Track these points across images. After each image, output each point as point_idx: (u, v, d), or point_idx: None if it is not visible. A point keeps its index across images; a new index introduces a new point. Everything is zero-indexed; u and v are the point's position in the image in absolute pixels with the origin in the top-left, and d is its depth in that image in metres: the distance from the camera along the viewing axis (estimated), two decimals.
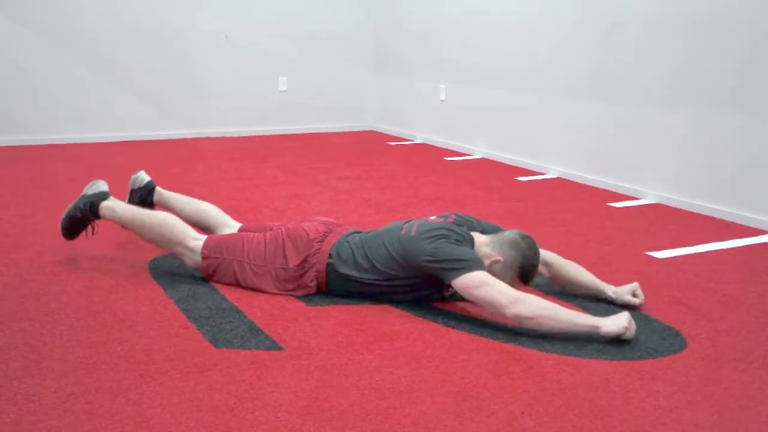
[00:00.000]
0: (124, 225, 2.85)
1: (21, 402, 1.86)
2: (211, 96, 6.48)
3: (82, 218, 2.88)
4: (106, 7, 5.96)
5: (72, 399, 1.87)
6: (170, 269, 2.88)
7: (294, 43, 6.72)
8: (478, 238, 2.54)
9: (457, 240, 2.45)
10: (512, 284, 2.45)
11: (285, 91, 6.78)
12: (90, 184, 2.96)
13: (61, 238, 2.96)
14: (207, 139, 6.37)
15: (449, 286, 2.44)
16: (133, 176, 3.25)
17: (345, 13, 6.92)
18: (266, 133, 6.71)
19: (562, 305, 2.40)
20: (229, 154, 5.64)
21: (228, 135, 6.53)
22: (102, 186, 2.94)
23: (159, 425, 1.76)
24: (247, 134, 6.62)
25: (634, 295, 2.59)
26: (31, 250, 3.10)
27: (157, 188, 3.22)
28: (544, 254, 2.66)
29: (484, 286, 2.32)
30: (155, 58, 6.20)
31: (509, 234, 2.53)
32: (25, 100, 5.82)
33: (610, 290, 2.62)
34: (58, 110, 5.95)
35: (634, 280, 2.88)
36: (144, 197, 3.20)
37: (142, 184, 3.22)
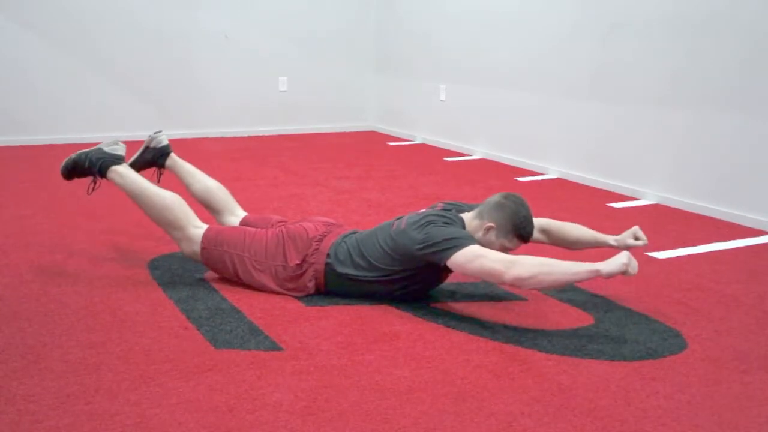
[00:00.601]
0: (127, 194, 2.78)
1: (20, 402, 1.85)
2: (211, 96, 6.48)
3: (88, 170, 2.81)
4: (107, 7, 5.96)
5: (71, 399, 1.87)
6: (170, 270, 2.87)
7: (294, 43, 6.72)
8: (466, 216, 2.55)
9: (445, 223, 2.45)
10: (514, 247, 2.45)
11: (285, 91, 6.78)
12: (111, 141, 2.87)
13: (58, 235, 2.96)
14: (207, 139, 6.37)
15: (447, 272, 2.44)
16: (152, 134, 3.15)
17: (345, 13, 6.92)
18: (266, 133, 6.71)
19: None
20: (229, 154, 5.64)
21: (228, 135, 6.53)
22: (121, 150, 2.85)
23: (158, 426, 1.76)
24: (247, 134, 6.62)
25: (637, 238, 2.59)
26: (30, 250, 3.10)
27: (172, 154, 3.15)
28: (540, 221, 2.67)
29: (478, 258, 2.30)
30: (155, 58, 6.20)
31: (493, 198, 2.53)
32: (25, 100, 5.82)
33: (612, 239, 2.63)
34: (58, 110, 5.95)
35: (634, 280, 2.89)
36: (156, 158, 3.12)
37: (159, 146, 3.13)
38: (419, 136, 6.53)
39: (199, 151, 5.77)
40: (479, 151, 5.77)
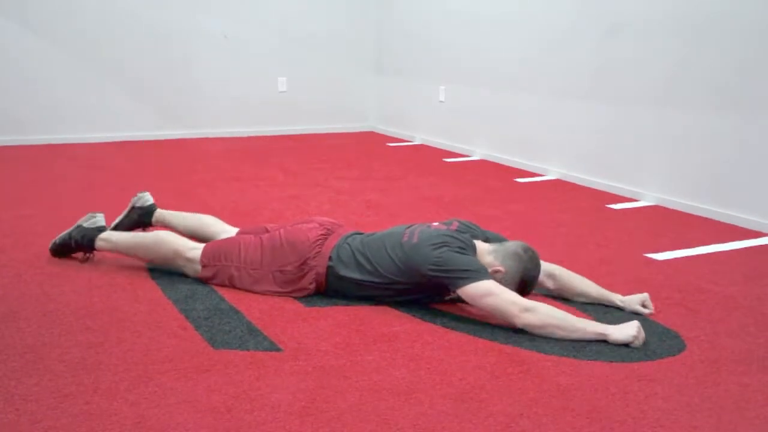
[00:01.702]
0: (123, 253, 2.88)
1: (19, 402, 1.85)
2: (211, 96, 6.48)
3: (76, 248, 2.94)
4: (106, 7, 5.96)
5: (70, 399, 1.87)
6: (169, 270, 2.87)
7: (294, 43, 6.72)
8: (481, 246, 2.54)
9: (460, 248, 2.44)
10: None
11: (284, 91, 6.78)
12: (87, 216, 2.98)
13: (57, 235, 2.96)
14: (207, 139, 6.37)
15: (450, 290, 2.44)
16: (138, 194, 3.22)
17: (345, 13, 6.92)
18: (266, 134, 6.72)
19: (567, 310, 2.40)
20: (229, 154, 5.64)
21: (227, 135, 6.53)
22: (100, 220, 2.97)
23: (157, 426, 1.76)
24: (246, 134, 6.63)
25: (644, 306, 2.58)
26: (30, 250, 3.10)
27: (157, 210, 3.20)
28: (550, 267, 2.66)
29: (492, 295, 2.33)
30: (155, 58, 6.20)
31: (512, 245, 2.53)
32: (25, 100, 5.82)
33: (618, 299, 2.61)
34: (58, 110, 5.95)
35: (633, 282, 2.88)
36: (142, 217, 3.17)
37: (145, 205, 3.18)
38: (419, 136, 6.53)
39: (199, 151, 5.77)
40: (479, 151, 5.77)
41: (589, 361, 2.17)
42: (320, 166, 5.24)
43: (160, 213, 3.19)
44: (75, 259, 2.98)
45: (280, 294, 2.61)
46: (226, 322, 2.39)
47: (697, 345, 2.32)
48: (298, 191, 4.39)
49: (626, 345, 2.27)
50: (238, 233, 2.94)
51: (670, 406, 1.93)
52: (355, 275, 2.54)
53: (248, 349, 2.19)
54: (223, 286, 2.70)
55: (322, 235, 2.64)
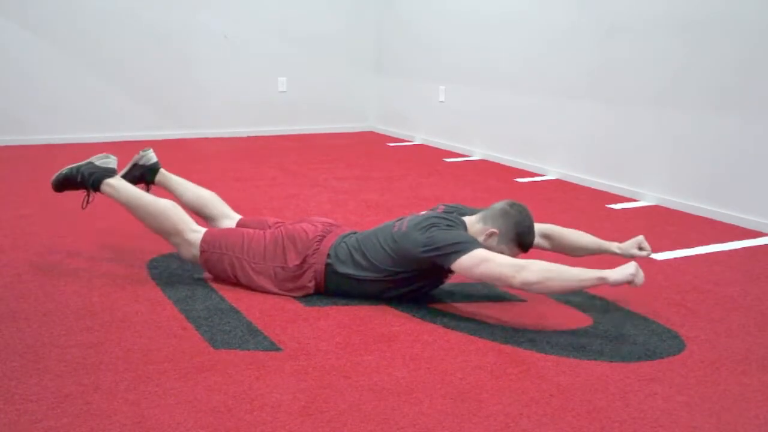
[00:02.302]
0: (123, 205, 2.79)
1: (19, 402, 1.85)
2: (211, 96, 6.48)
3: (81, 184, 2.82)
4: (106, 7, 5.96)
5: (70, 399, 1.87)
6: (169, 270, 2.87)
7: (294, 43, 6.72)
8: (469, 219, 2.57)
9: (448, 225, 2.46)
10: (513, 255, 2.46)
11: (284, 91, 6.78)
12: (101, 155, 2.88)
13: (57, 235, 2.96)
14: (207, 139, 6.37)
15: (449, 273, 2.44)
16: (141, 152, 3.15)
17: (345, 13, 6.92)
18: (266, 134, 6.71)
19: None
20: (229, 154, 5.64)
21: (227, 135, 6.53)
22: (112, 162, 2.87)
23: (157, 426, 1.76)
24: (246, 134, 6.62)
25: (641, 248, 2.59)
26: (29, 250, 3.10)
27: (161, 170, 3.15)
28: (543, 227, 2.67)
29: (485, 262, 2.32)
30: (155, 58, 6.20)
31: (498, 205, 2.55)
32: (25, 100, 5.82)
33: (615, 246, 2.63)
34: (58, 110, 5.95)
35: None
36: (145, 175, 3.11)
37: (148, 163, 3.12)
38: (418, 136, 6.53)
39: (199, 151, 5.77)
40: (478, 151, 5.77)
41: (588, 361, 2.17)
42: (320, 166, 5.24)
43: (163, 174, 3.13)
44: (78, 258, 2.97)
45: (279, 292, 2.61)
46: (226, 322, 2.39)
47: (696, 345, 2.32)
48: (298, 191, 4.39)
49: (628, 283, 2.24)
50: (239, 223, 2.95)
51: (670, 405, 1.93)
52: (353, 272, 2.55)
53: (248, 349, 2.19)
54: (220, 275, 2.69)
55: (320, 233, 2.64)
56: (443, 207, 2.66)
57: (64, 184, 2.86)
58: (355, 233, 2.70)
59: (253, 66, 6.60)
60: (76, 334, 2.27)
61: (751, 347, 2.32)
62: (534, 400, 1.93)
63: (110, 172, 2.84)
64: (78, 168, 2.84)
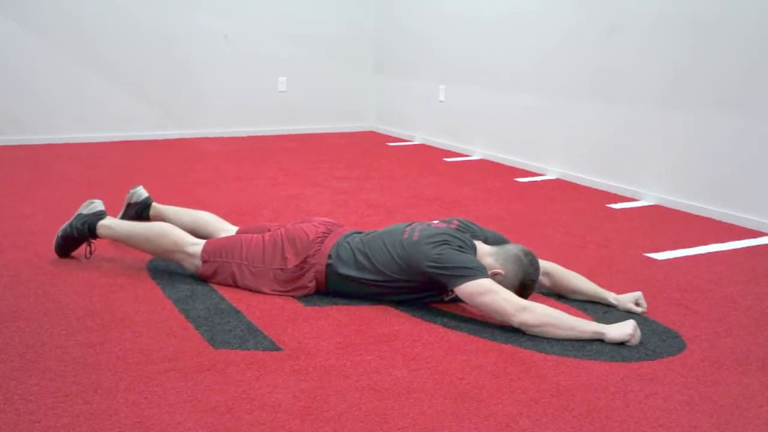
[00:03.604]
0: (123, 241, 2.87)
1: (19, 402, 1.85)
2: (211, 96, 6.48)
3: (79, 237, 2.92)
4: (106, 7, 5.96)
5: (70, 399, 1.87)
6: (169, 269, 2.87)
7: (294, 43, 6.72)
8: (481, 247, 2.55)
9: (459, 247, 2.45)
10: None
11: (284, 91, 6.78)
12: (86, 204, 2.97)
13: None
14: (207, 139, 6.36)
15: (449, 290, 2.44)
16: (131, 190, 3.25)
17: (344, 13, 6.92)
18: (266, 134, 6.71)
19: (564, 309, 2.40)
20: (229, 154, 5.64)
21: (227, 135, 6.53)
22: (99, 206, 2.95)
23: (157, 426, 1.76)
24: (246, 134, 6.62)
25: (637, 304, 2.58)
26: (29, 249, 3.10)
27: (154, 203, 3.22)
28: (545, 264, 2.67)
29: (490, 293, 2.33)
30: (155, 59, 6.20)
31: (512, 248, 2.53)
32: (25, 100, 5.82)
33: (612, 297, 2.61)
34: (58, 110, 5.95)
35: (633, 281, 2.88)
36: (140, 212, 3.20)
37: (140, 200, 3.21)
38: (418, 136, 6.53)
39: (199, 151, 5.77)
40: (479, 151, 5.77)
41: (589, 361, 2.17)
42: (320, 165, 5.24)
43: (156, 207, 3.20)
44: (78, 258, 2.98)
45: (280, 293, 2.61)
46: (226, 321, 2.39)
47: (697, 344, 2.32)
48: (298, 191, 4.39)
49: (622, 344, 2.28)
50: (238, 232, 2.95)
51: (670, 405, 1.93)
52: (355, 273, 2.55)
53: (248, 349, 2.19)
54: (223, 284, 2.70)
55: (321, 233, 2.64)
56: (457, 223, 2.63)
57: (65, 246, 2.96)
58: (359, 233, 2.70)
59: (253, 66, 6.59)
60: (76, 334, 2.27)
61: (752, 347, 2.32)
62: (534, 400, 1.93)
63: (100, 215, 2.92)
64: (70, 224, 2.93)
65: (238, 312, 2.47)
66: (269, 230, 2.80)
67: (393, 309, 2.53)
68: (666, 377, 2.09)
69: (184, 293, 2.62)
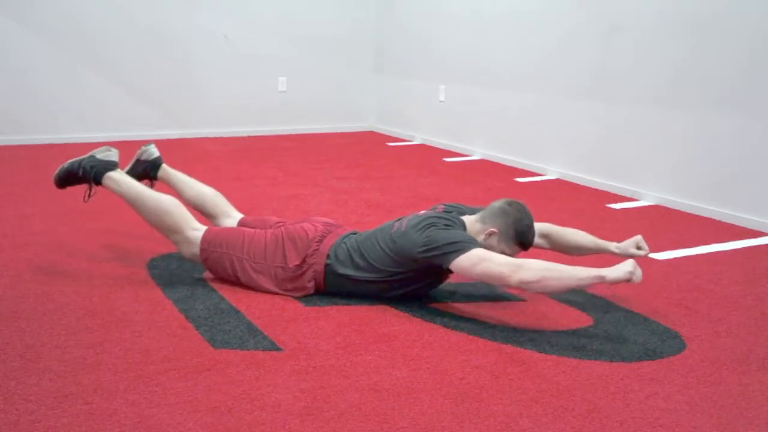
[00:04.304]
0: (125, 199, 2.78)
1: (19, 402, 1.85)
2: (211, 96, 6.48)
3: (82, 177, 2.81)
4: (106, 7, 5.96)
5: (70, 399, 1.87)
6: (169, 270, 2.87)
7: (294, 43, 6.72)
8: (468, 219, 2.56)
9: (446, 225, 2.46)
10: (513, 253, 2.47)
11: (284, 91, 6.78)
12: (102, 148, 2.87)
13: (57, 235, 2.96)
14: (207, 139, 6.36)
15: (448, 273, 2.44)
16: (143, 147, 3.15)
17: (344, 13, 6.91)
18: (266, 134, 6.71)
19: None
20: (229, 154, 5.64)
21: (227, 135, 6.52)
22: (114, 155, 2.86)
23: (157, 426, 1.76)
24: (246, 134, 6.62)
25: (639, 248, 2.59)
26: (29, 249, 3.10)
27: (164, 165, 3.15)
28: (541, 226, 2.68)
29: (483, 261, 2.32)
30: (155, 58, 6.20)
31: (496, 203, 2.55)
32: (25, 100, 5.82)
33: (613, 246, 2.63)
34: (58, 110, 5.95)
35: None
36: (148, 170, 3.12)
37: (150, 158, 3.13)
38: (418, 136, 6.53)
39: (199, 151, 5.76)
40: (479, 151, 5.77)
41: (589, 361, 2.17)
42: (320, 165, 5.24)
43: (165, 170, 3.13)
44: (78, 257, 2.97)
45: (279, 292, 2.61)
46: (226, 321, 2.39)
47: (697, 344, 2.32)
48: (298, 191, 4.39)
49: (626, 281, 2.23)
50: (240, 222, 2.95)
51: (670, 405, 1.93)
52: (353, 273, 2.55)
53: (248, 349, 2.19)
54: (217, 274, 2.69)
55: (321, 233, 2.64)
56: (443, 207, 2.66)
57: (66, 178, 2.85)
58: (355, 234, 2.70)
59: (253, 66, 6.59)
60: (76, 334, 2.26)
61: (751, 347, 2.32)
62: (534, 400, 1.93)
63: (112, 165, 2.82)
64: (79, 162, 2.82)
65: (238, 312, 2.47)
66: (271, 226, 2.80)
67: (393, 309, 2.53)
68: (666, 377, 2.09)
69: (184, 293, 2.62)
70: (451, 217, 2.51)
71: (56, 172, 2.86)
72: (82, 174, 2.80)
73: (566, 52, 4.88)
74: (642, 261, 3.16)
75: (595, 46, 4.65)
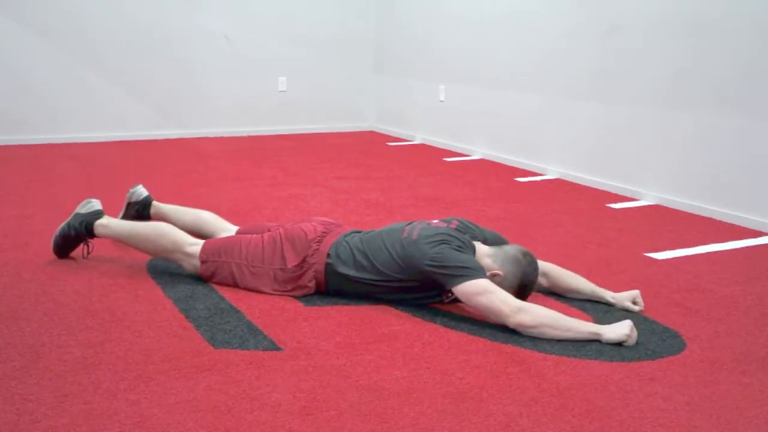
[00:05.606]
0: (121, 240, 2.87)
1: (19, 402, 1.85)
2: (211, 96, 6.48)
3: (76, 237, 2.91)
4: (106, 7, 5.96)
5: (70, 399, 1.87)
6: (169, 269, 2.87)
7: (294, 43, 6.72)
8: (480, 248, 2.54)
9: (458, 246, 2.45)
10: None
11: (284, 91, 6.78)
12: (83, 203, 2.97)
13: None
14: (207, 139, 6.36)
15: (449, 291, 2.44)
16: (131, 190, 3.27)
17: (344, 13, 6.92)
18: (266, 133, 6.71)
19: (563, 308, 2.40)
20: (229, 154, 5.64)
21: (228, 135, 6.53)
22: (96, 205, 2.95)
23: (157, 425, 1.76)
24: (246, 134, 6.62)
25: (635, 303, 2.59)
26: (29, 249, 3.10)
27: (154, 202, 3.23)
28: (543, 265, 2.66)
29: (487, 293, 2.33)
30: (155, 58, 6.20)
31: (511, 249, 2.53)
32: (25, 100, 5.82)
33: (609, 296, 2.62)
34: (58, 110, 5.95)
35: (633, 281, 2.89)
36: (141, 211, 3.21)
37: (140, 198, 3.23)
38: (419, 136, 6.53)
39: (199, 150, 5.77)
40: (479, 151, 5.77)
41: (588, 361, 2.17)
42: (320, 165, 5.24)
43: (156, 206, 3.21)
44: (77, 258, 2.97)
45: (280, 293, 2.61)
46: (226, 321, 2.39)
47: (696, 344, 2.32)
48: (298, 191, 4.39)
49: (619, 344, 2.28)
50: (238, 232, 2.95)
51: (670, 405, 1.93)
52: (354, 273, 2.54)
53: (248, 349, 2.19)
54: (222, 284, 2.70)
55: (320, 233, 2.64)
56: (457, 223, 2.63)
57: (63, 245, 2.94)
58: (358, 232, 2.70)
59: (253, 66, 6.60)
60: (76, 334, 2.27)
61: (752, 347, 2.32)
62: (534, 400, 1.93)
63: (98, 214, 2.91)
64: (68, 224, 2.92)
65: (238, 312, 2.47)
66: (269, 230, 2.80)
67: (393, 309, 2.53)
68: (666, 377, 2.09)
69: (184, 293, 2.62)
70: (464, 240, 2.50)
71: (52, 244, 2.95)
72: (75, 234, 2.90)
73: (566, 52, 4.88)
74: (642, 261, 3.16)
75: (595, 46, 4.66)
